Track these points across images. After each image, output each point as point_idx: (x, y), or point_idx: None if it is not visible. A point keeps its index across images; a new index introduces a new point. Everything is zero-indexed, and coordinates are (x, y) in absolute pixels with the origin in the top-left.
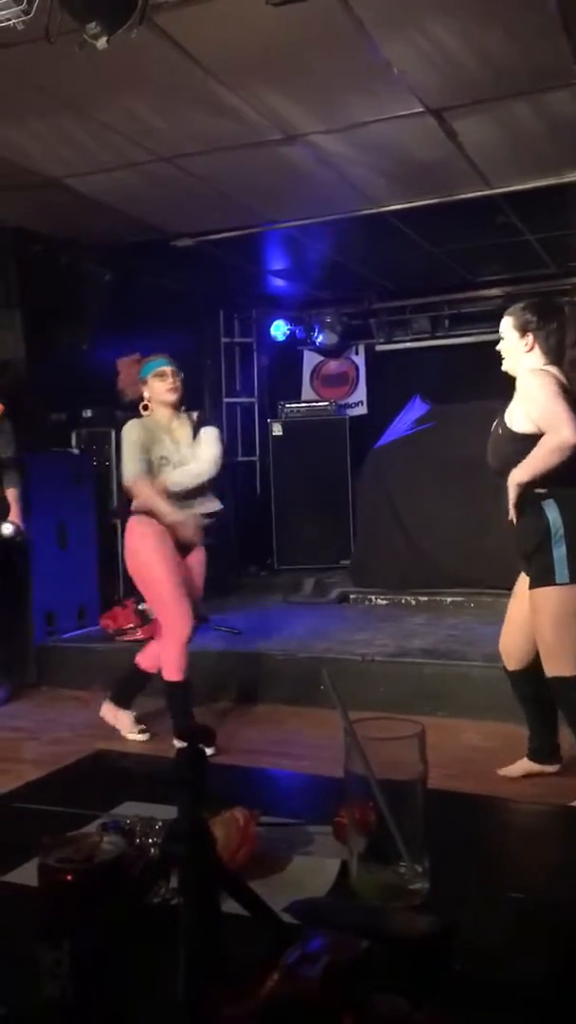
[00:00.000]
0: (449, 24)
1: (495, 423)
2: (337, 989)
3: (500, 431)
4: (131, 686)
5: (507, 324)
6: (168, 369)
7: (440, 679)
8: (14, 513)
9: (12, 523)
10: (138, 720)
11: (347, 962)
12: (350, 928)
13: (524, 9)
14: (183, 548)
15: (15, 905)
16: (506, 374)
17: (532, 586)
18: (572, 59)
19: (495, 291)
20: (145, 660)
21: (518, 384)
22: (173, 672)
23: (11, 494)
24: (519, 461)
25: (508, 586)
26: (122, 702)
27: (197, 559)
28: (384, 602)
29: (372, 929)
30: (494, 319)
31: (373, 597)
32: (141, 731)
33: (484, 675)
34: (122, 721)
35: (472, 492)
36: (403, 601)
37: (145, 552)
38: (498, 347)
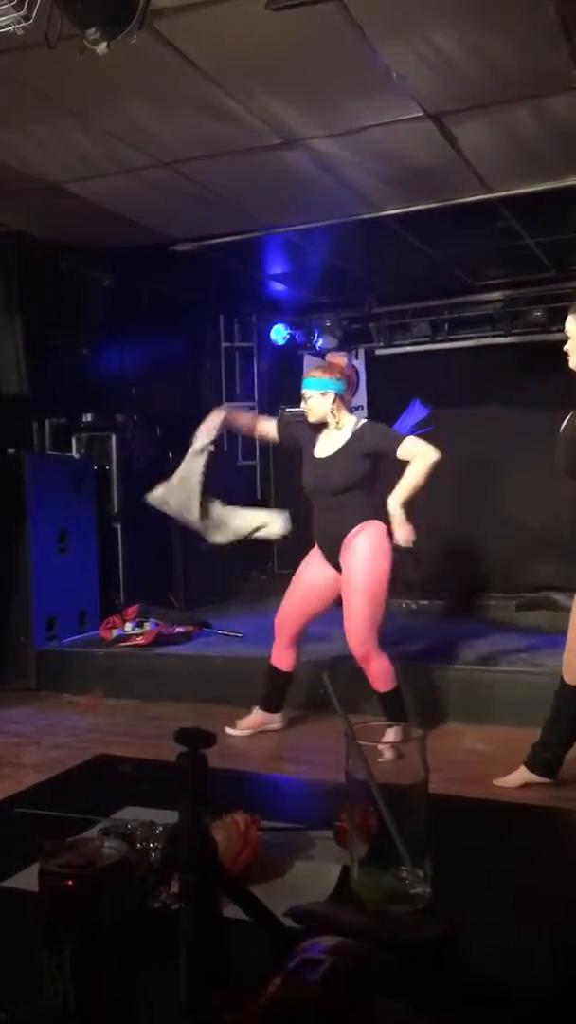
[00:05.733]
0: (448, 29)
1: (565, 424)
2: (339, 994)
3: None
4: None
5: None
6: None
7: (441, 683)
8: None
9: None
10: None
11: (349, 967)
12: (351, 933)
13: (524, 13)
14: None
15: (16, 910)
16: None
17: None
18: (572, 63)
19: (495, 295)
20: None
21: None
22: None
23: None
24: None
25: (509, 590)
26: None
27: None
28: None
29: (374, 934)
30: (494, 323)
31: None
32: None
33: (485, 679)
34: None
35: (472, 496)
36: (403, 605)
37: None
38: (566, 347)
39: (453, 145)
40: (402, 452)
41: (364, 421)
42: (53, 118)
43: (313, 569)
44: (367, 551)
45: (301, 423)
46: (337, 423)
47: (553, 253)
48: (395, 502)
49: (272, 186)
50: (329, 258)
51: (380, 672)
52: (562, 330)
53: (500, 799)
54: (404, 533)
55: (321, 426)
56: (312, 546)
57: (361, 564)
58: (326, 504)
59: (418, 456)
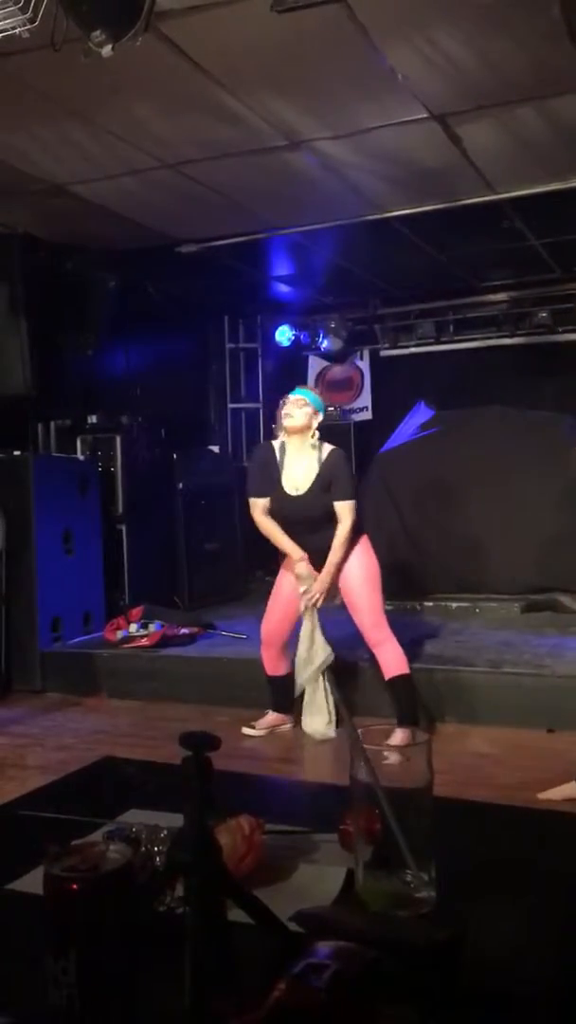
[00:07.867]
0: (453, 30)
1: None
2: (344, 998)
3: None
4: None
5: None
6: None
7: (446, 685)
8: None
9: None
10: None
11: (354, 971)
12: (356, 937)
13: (528, 14)
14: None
15: (21, 914)
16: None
17: None
18: None
19: (500, 296)
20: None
21: None
22: None
23: None
24: None
25: (514, 591)
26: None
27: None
28: (390, 608)
29: (379, 938)
30: (499, 324)
31: None
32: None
33: (490, 681)
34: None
35: (477, 497)
36: (408, 607)
37: None
38: None
39: (458, 146)
40: (337, 506)
41: (329, 449)
42: (58, 120)
43: (290, 580)
44: (358, 561)
45: (259, 468)
46: (306, 445)
47: (558, 254)
48: (328, 577)
49: (277, 187)
50: (334, 259)
51: (393, 656)
52: (567, 331)
53: (505, 802)
54: (313, 595)
55: (281, 447)
56: (283, 557)
57: (357, 570)
58: (305, 528)
59: (343, 523)
